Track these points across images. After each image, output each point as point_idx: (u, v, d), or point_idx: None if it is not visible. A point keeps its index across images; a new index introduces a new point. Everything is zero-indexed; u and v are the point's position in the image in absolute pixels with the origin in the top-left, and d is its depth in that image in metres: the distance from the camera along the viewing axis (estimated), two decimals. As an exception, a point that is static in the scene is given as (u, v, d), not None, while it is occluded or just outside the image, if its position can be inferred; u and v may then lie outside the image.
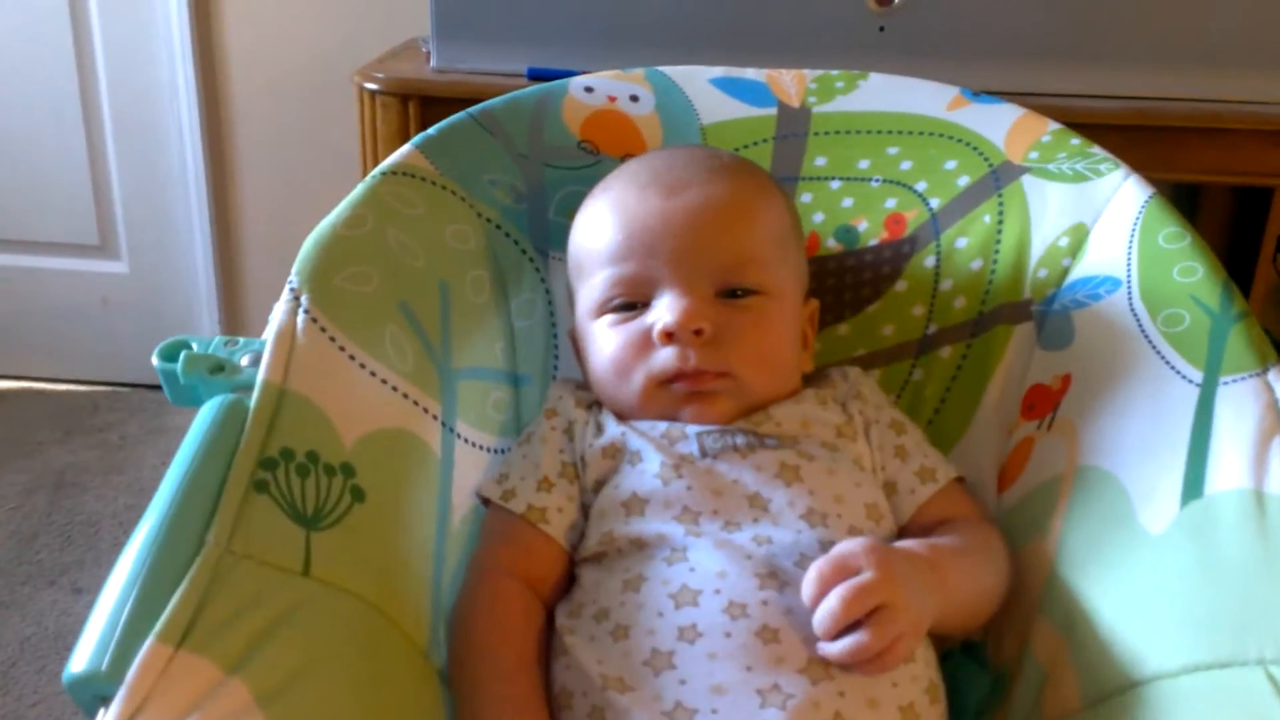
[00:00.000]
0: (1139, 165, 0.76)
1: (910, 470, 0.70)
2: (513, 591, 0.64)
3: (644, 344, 0.68)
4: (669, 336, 0.67)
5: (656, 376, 0.68)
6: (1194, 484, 0.60)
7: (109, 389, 1.76)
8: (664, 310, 0.67)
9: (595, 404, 0.72)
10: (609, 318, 0.70)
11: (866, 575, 0.57)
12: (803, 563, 0.60)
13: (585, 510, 0.68)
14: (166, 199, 1.69)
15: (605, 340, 0.70)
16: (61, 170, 1.68)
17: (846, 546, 0.59)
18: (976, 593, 0.65)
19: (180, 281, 1.74)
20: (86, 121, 1.65)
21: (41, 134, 1.66)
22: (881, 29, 1.08)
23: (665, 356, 0.67)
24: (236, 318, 1.76)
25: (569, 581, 0.66)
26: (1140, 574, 0.60)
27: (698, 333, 0.66)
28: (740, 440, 0.67)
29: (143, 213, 1.71)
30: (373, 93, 1.11)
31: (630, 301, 0.69)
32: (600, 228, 0.71)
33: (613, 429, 0.69)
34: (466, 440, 0.71)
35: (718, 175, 0.71)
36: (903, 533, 0.68)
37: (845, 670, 0.56)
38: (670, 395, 0.68)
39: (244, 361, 0.62)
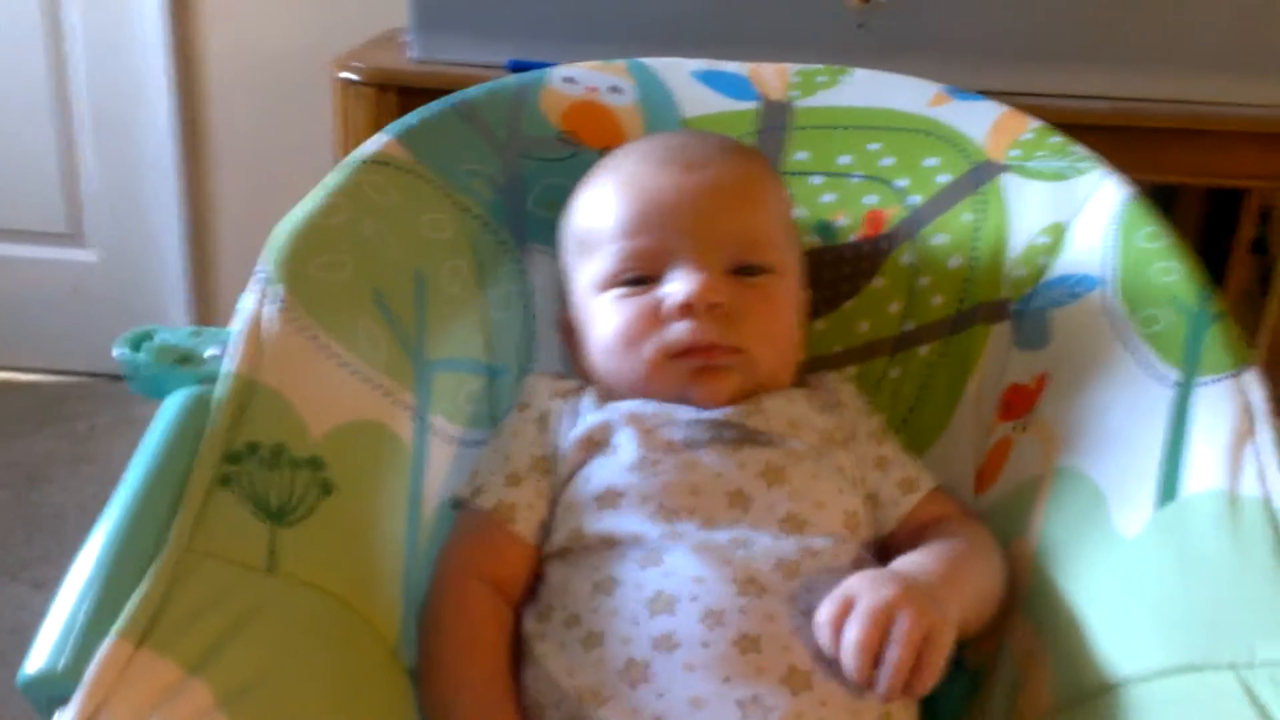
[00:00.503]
0: (1121, 166, 0.75)
1: (891, 482, 0.69)
2: (480, 596, 0.63)
3: (655, 317, 0.67)
4: (685, 310, 0.66)
5: (668, 349, 0.67)
6: (1169, 486, 0.60)
7: (78, 379, 1.74)
8: (680, 283, 0.66)
9: (573, 392, 0.71)
10: (617, 291, 0.69)
11: (866, 598, 0.56)
12: (780, 568, 0.60)
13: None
14: (139, 188, 1.67)
15: (612, 313, 0.68)
16: (31, 158, 1.65)
17: (845, 584, 0.58)
18: (985, 590, 0.64)
19: (151, 271, 1.72)
20: (59, 110, 1.63)
21: (12, 121, 1.63)
22: (860, 26, 1.07)
23: (679, 330, 0.66)
24: (208, 308, 1.74)
25: (536, 578, 0.65)
26: (1115, 577, 0.60)
27: (714, 307, 0.66)
28: (728, 434, 0.66)
29: (115, 201, 1.68)
30: (350, 83, 1.09)
31: (640, 276, 0.68)
32: (610, 203, 0.70)
33: (593, 416, 0.68)
34: (438, 432, 0.69)
35: (731, 155, 0.71)
36: (888, 542, 0.67)
37: (826, 679, 0.56)
38: (679, 370, 0.67)
39: (211, 352, 0.61)
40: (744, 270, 0.68)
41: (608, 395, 0.69)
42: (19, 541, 1.36)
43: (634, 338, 0.67)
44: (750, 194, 0.70)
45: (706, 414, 0.67)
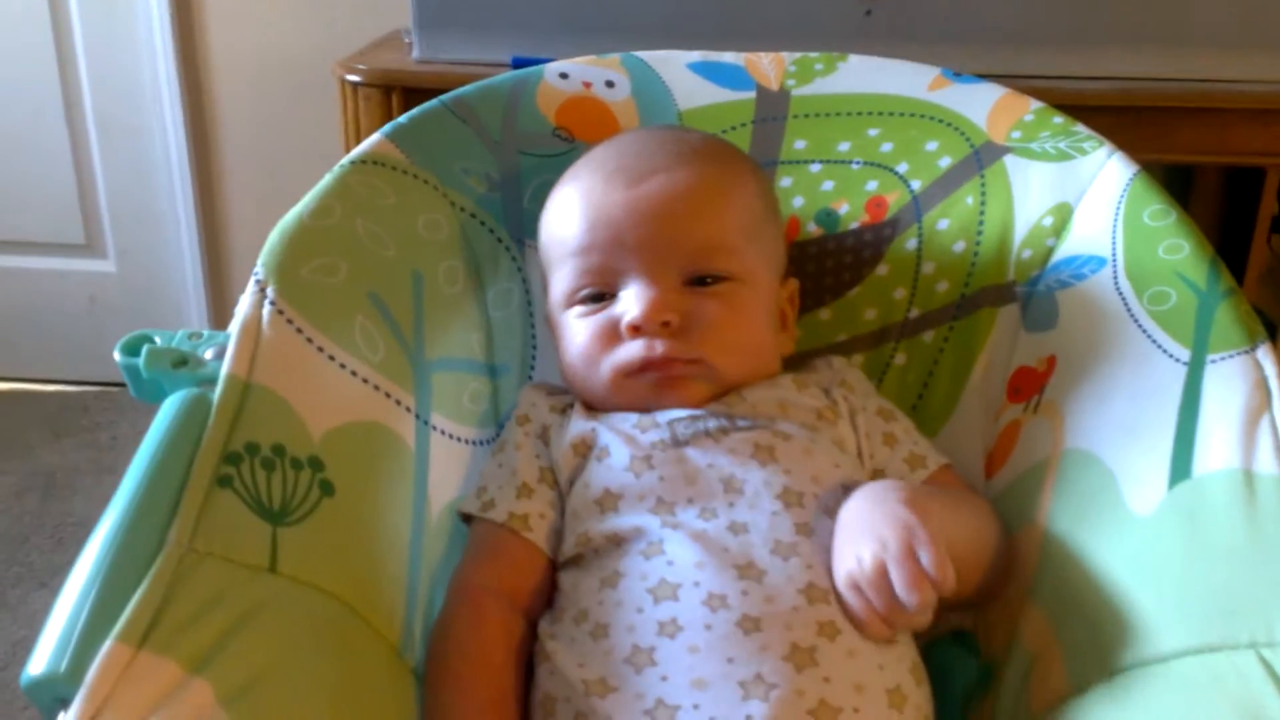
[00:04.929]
0: (1129, 147, 0.74)
1: (899, 458, 0.69)
2: (493, 614, 0.62)
3: (611, 335, 0.67)
4: (636, 330, 0.66)
5: (622, 368, 0.67)
6: (1182, 465, 0.59)
7: (99, 389, 1.76)
8: (630, 302, 0.66)
9: (569, 406, 0.71)
10: (578, 309, 0.69)
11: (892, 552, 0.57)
12: (778, 549, 0.60)
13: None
14: (152, 197, 1.68)
15: (574, 332, 0.69)
16: (46, 170, 1.67)
17: (843, 567, 0.58)
18: (967, 540, 0.63)
19: (168, 279, 1.73)
20: (69, 121, 1.65)
21: (24, 133, 1.65)
22: (868, 13, 1.07)
23: (632, 348, 0.67)
24: (224, 315, 1.75)
25: (553, 590, 0.64)
26: (1129, 558, 0.58)
27: (665, 324, 0.66)
28: (712, 424, 0.66)
29: (129, 211, 1.70)
30: (354, 84, 1.10)
31: (598, 292, 0.68)
32: (567, 217, 0.70)
33: (580, 424, 0.68)
34: (443, 432, 0.69)
35: (685, 160, 0.70)
36: None
37: (832, 657, 0.56)
38: (640, 385, 0.67)
39: (208, 355, 0.61)
40: (701, 280, 0.67)
41: (591, 406, 0.70)
42: (47, 550, 1.38)
43: (591, 357, 0.68)
44: (702, 202, 0.68)
45: (686, 410, 0.66)
